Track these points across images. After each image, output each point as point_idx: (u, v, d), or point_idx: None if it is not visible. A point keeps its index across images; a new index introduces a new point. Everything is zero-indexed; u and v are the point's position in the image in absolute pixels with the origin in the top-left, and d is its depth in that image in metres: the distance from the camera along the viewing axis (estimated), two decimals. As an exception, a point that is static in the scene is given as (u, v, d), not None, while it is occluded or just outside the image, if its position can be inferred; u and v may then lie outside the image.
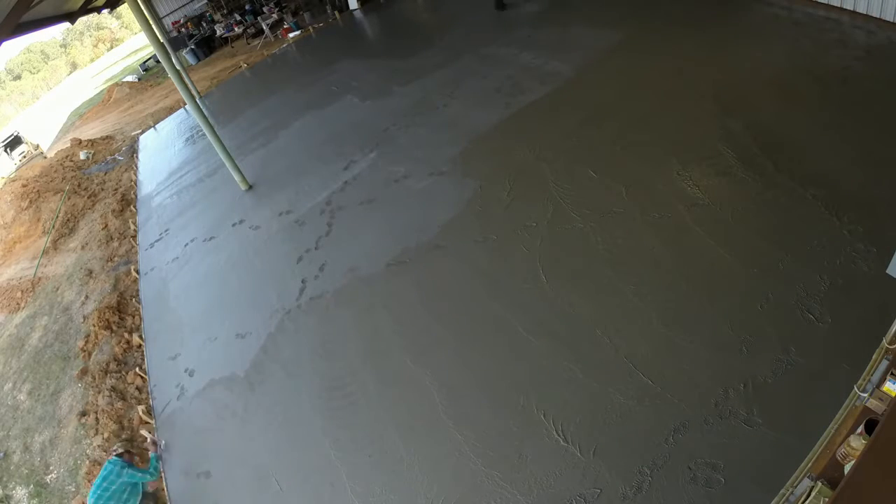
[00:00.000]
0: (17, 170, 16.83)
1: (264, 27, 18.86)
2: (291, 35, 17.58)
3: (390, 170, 7.52)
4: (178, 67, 9.87)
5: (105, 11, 17.68)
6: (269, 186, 8.72)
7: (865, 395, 2.67)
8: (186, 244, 8.37)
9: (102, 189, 12.45)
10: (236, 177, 8.90)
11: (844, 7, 6.52)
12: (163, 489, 4.84)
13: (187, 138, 13.08)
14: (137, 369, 6.42)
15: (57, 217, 11.21)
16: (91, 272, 8.96)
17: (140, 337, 6.97)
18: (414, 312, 5.19)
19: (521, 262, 5.11)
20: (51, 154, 17.30)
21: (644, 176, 5.42)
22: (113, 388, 6.20)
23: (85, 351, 7.09)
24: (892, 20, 5.94)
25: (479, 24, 11.26)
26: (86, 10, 14.68)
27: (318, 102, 11.08)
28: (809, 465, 2.63)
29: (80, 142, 16.39)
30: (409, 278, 5.60)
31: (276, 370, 5.37)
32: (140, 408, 5.79)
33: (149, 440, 5.10)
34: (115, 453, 4.48)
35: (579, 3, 10.13)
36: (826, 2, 6.77)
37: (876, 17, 6.13)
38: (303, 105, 11.41)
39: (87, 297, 8.32)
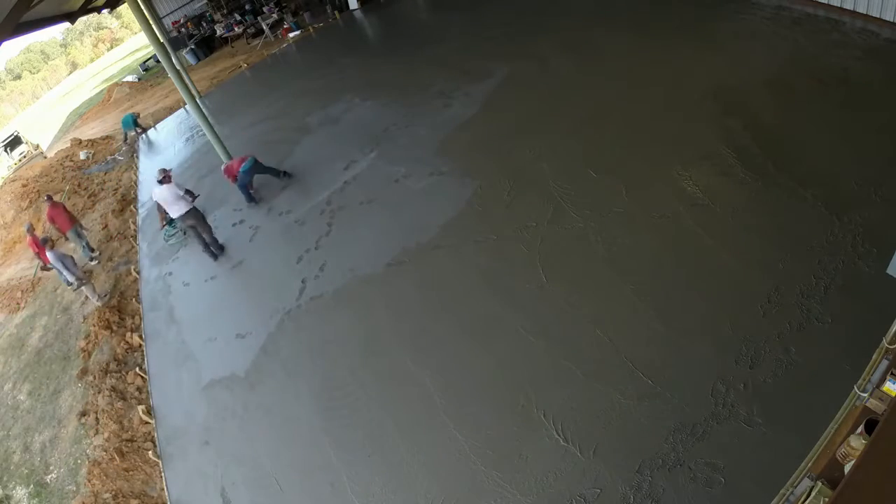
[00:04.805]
0: (16, 170, 16.82)
1: (264, 27, 18.86)
2: (291, 35, 17.58)
3: (390, 170, 7.52)
4: (178, 67, 9.87)
5: (105, 11, 17.66)
6: (269, 186, 8.71)
7: (865, 395, 2.67)
8: (186, 244, 8.37)
9: (102, 189, 12.45)
10: (236, 177, 8.88)
11: (844, 7, 6.52)
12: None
13: (187, 138, 13.08)
14: (137, 369, 6.42)
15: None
16: (91, 272, 8.96)
17: (140, 337, 6.97)
18: (414, 312, 5.19)
19: (521, 262, 5.11)
20: (51, 154, 17.30)
21: (644, 176, 5.42)
22: (113, 388, 6.20)
23: (85, 351, 7.09)
24: (892, 20, 5.94)
25: (480, 24, 11.26)
26: (86, 10, 14.67)
27: (319, 102, 11.08)
28: (809, 465, 2.62)
29: (80, 142, 16.39)
30: (409, 278, 5.60)
31: (276, 370, 5.37)
32: (140, 408, 5.79)
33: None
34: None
35: (584, 3, 10.13)
36: (826, 2, 6.76)
37: (876, 17, 6.13)
38: (303, 105, 11.41)
39: (87, 297, 8.32)
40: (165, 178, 7.13)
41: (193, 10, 22.76)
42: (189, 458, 5.05)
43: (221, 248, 7.71)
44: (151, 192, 7.06)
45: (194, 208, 7.19)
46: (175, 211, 7.02)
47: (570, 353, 4.13)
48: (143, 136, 14.85)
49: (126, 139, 14.88)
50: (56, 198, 11.64)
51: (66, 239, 9.32)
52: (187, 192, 7.19)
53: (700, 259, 4.39)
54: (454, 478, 3.76)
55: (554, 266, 4.92)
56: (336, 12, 17.34)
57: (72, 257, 7.86)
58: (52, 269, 8.36)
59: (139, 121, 14.80)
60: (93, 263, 9.08)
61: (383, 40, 13.86)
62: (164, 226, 8.15)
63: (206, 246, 7.55)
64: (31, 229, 8.23)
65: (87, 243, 9.21)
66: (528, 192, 5.92)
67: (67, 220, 8.86)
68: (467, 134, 7.51)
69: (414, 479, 3.89)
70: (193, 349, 6.26)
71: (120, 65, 37.48)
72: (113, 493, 5.02)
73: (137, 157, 13.67)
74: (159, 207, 7.00)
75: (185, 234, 8.45)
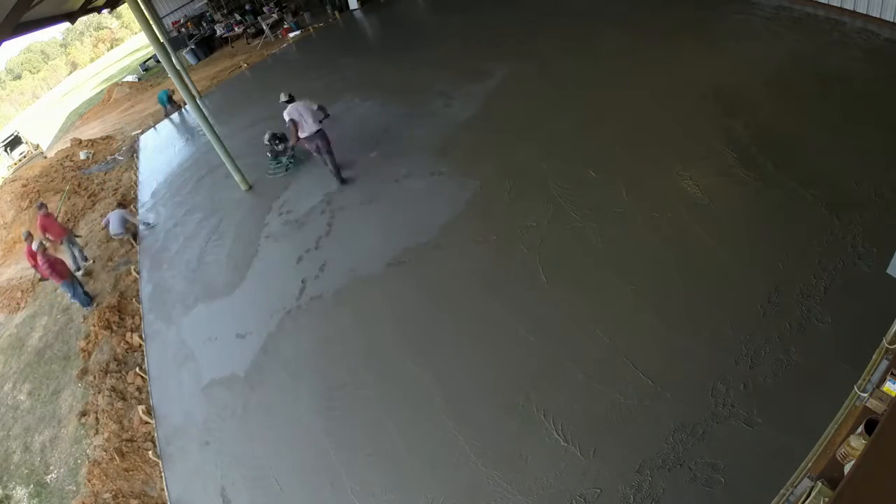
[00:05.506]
0: (16, 170, 16.83)
1: (264, 27, 18.86)
2: (291, 35, 17.58)
3: (390, 169, 7.52)
4: (178, 67, 9.87)
5: (105, 11, 17.67)
6: (270, 186, 8.71)
7: (865, 395, 2.67)
8: (186, 244, 8.36)
9: (102, 189, 12.45)
10: (236, 177, 8.89)
11: (844, 7, 6.52)
12: None
13: (187, 138, 13.07)
14: (137, 369, 6.42)
15: (57, 217, 11.20)
16: (91, 272, 8.96)
17: (140, 337, 6.96)
18: (414, 312, 5.19)
19: (521, 262, 5.11)
20: (51, 154, 17.30)
21: (644, 176, 5.42)
22: (113, 388, 6.20)
23: (85, 351, 7.09)
24: (892, 20, 5.94)
25: (480, 24, 11.26)
26: (86, 10, 14.67)
27: (318, 102, 11.05)
28: (809, 465, 2.62)
29: (80, 142, 16.39)
30: (409, 278, 5.60)
31: (277, 370, 5.36)
32: (140, 408, 5.79)
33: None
34: None
35: (584, 3, 10.14)
36: (826, 2, 6.77)
37: (876, 17, 6.13)
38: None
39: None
40: (291, 97, 7.14)
41: (193, 10, 22.78)
42: (189, 458, 5.05)
43: (344, 180, 7.62)
44: (284, 113, 7.02)
45: (322, 130, 7.05)
46: (307, 129, 6.90)
47: (570, 353, 4.13)
48: (178, 111, 15.47)
49: (166, 113, 15.68)
50: (56, 199, 11.67)
51: (60, 244, 9.21)
52: (320, 107, 7.10)
53: (700, 259, 4.39)
54: (454, 478, 3.76)
55: (554, 266, 4.92)
56: (336, 12, 17.34)
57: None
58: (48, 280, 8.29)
59: (173, 97, 15.39)
60: (86, 264, 9.03)
61: (383, 40, 13.87)
62: (294, 145, 7.93)
63: (337, 170, 7.45)
64: (28, 237, 8.02)
65: (81, 251, 9.14)
66: (528, 192, 5.92)
67: (60, 229, 8.89)
68: (467, 134, 7.51)
69: (414, 479, 3.89)
70: (193, 349, 6.26)
71: (120, 65, 37.48)
72: (113, 493, 5.02)
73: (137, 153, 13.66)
74: (294, 125, 6.91)
75: (286, 169, 8.57)
